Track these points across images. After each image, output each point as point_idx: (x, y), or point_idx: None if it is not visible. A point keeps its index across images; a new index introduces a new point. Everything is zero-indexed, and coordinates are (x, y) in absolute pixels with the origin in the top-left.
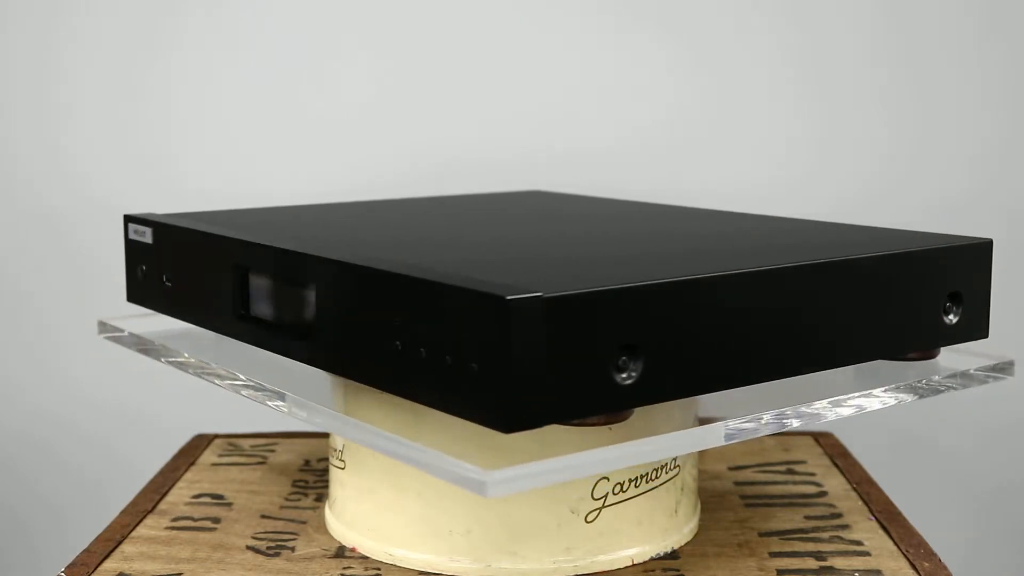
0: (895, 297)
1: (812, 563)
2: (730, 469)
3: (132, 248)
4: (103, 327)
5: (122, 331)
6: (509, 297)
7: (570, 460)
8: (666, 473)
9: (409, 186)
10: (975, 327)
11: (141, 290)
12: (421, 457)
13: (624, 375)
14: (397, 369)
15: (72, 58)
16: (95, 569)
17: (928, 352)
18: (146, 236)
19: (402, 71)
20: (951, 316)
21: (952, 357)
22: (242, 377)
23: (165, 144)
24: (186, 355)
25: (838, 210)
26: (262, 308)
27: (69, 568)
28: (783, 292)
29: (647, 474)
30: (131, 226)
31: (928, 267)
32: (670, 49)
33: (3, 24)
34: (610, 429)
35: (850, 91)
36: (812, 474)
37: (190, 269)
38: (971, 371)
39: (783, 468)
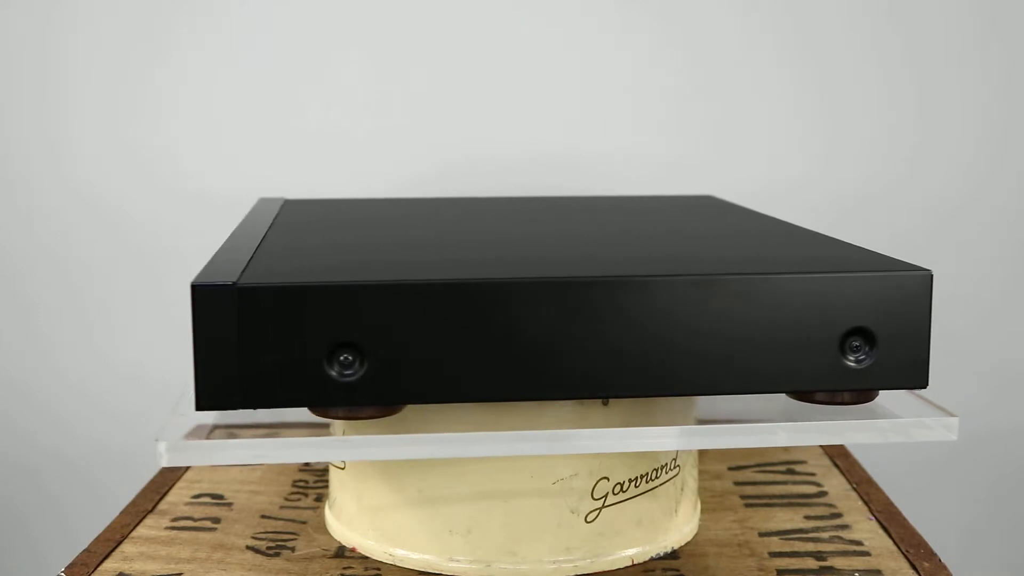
0: (761, 326)
1: (812, 563)
2: (730, 469)
3: None
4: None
5: None
6: (194, 283)
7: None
8: (666, 473)
9: (409, 186)
10: (903, 374)
11: None
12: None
13: (348, 372)
14: None
15: (72, 58)
16: (95, 569)
17: (836, 396)
18: None
19: (402, 71)
20: (856, 356)
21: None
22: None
23: (166, 143)
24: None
25: (838, 210)
26: None
27: (69, 568)
28: (556, 306)
29: (647, 474)
30: None
31: (812, 297)
32: (670, 49)
33: (2, 24)
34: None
35: (850, 91)
36: (812, 474)
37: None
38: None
39: (783, 468)
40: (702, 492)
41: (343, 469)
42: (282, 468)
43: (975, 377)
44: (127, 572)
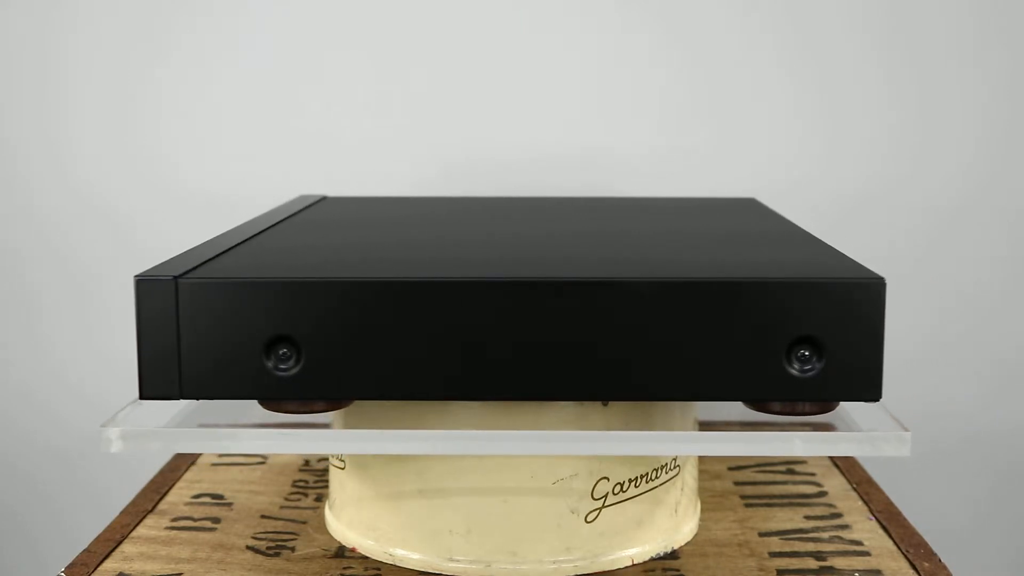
0: (703, 332)
1: (812, 563)
2: (730, 469)
3: None
4: None
5: None
6: (136, 277)
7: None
8: (666, 473)
9: (409, 186)
10: (854, 386)
11: None
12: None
13: (285, 366)
14: None
15: (72, 58)
16: (95, 569)
17: (795, 407)
18: None
19: (402, 71)
20: (802, 367)
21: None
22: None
23: (166, 143)
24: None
25: (838, 210)
26: None
27: (69, 568)
28: (491, 306)
29: (647, 474)
30: None
31: (756, 303)
32: (670, 49)
33: (3, 24)
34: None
35: (850, 91)
36: (812, 474)
37: None
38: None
39: (783, 468)
40: (702, 492)
41: (343, 469)
42: (282, 468)
43: (975, 377)
44: (127, 572)
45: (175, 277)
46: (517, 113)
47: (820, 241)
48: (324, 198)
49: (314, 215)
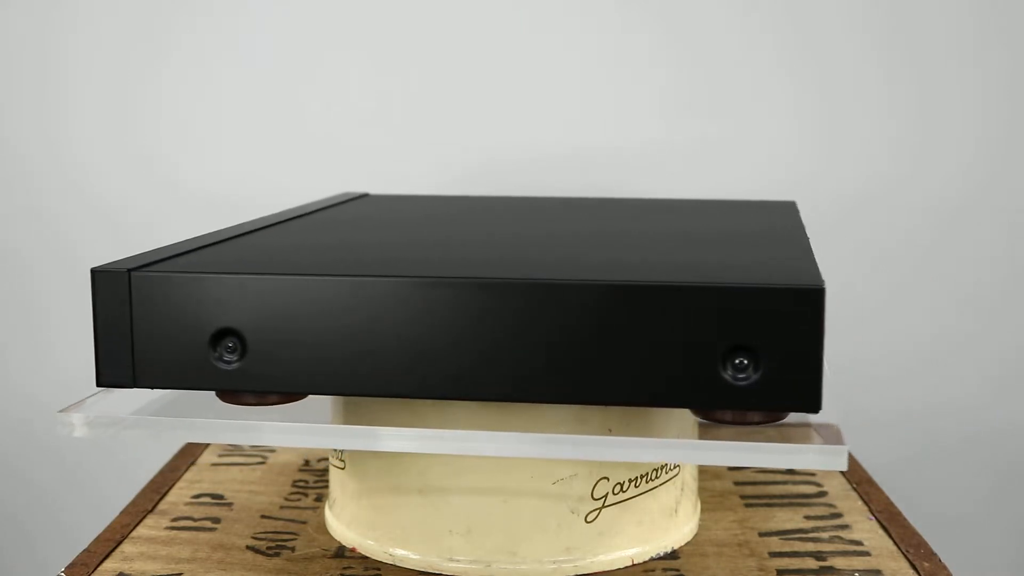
0: (636, 336)
1: (812, 563)
2: (730, 469)
3: None
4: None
5: None
6: (92, 268)
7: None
8: (666, 473)
9: (408, 185)
10: (792, 396)
11: None
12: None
13: (230, 358)
14: None
15: (72, 58)
16: (95, 569)
17: (745, 416)
18: None
19: (400, 71)
20: (736, 374)
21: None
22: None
23: (166, 143)
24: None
25: (838, 210)
26: None
27: (69, 568)
28: (420, 304)
29: (647, 474)
30: None
31: (689, 308)
32: (670, 49)
33: (3, 24)
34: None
35: (851, 91)
36: (812, 474)
37: None
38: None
39: (783, 468)
40: (702, 492)
41: (343, 469)
42: (282, 468)
43: (975, 376)
44: (127, 572)
45: (128, 270)
46: (517, 113)
47: (803, 246)
48: (366, 195)
49: (339, 213)
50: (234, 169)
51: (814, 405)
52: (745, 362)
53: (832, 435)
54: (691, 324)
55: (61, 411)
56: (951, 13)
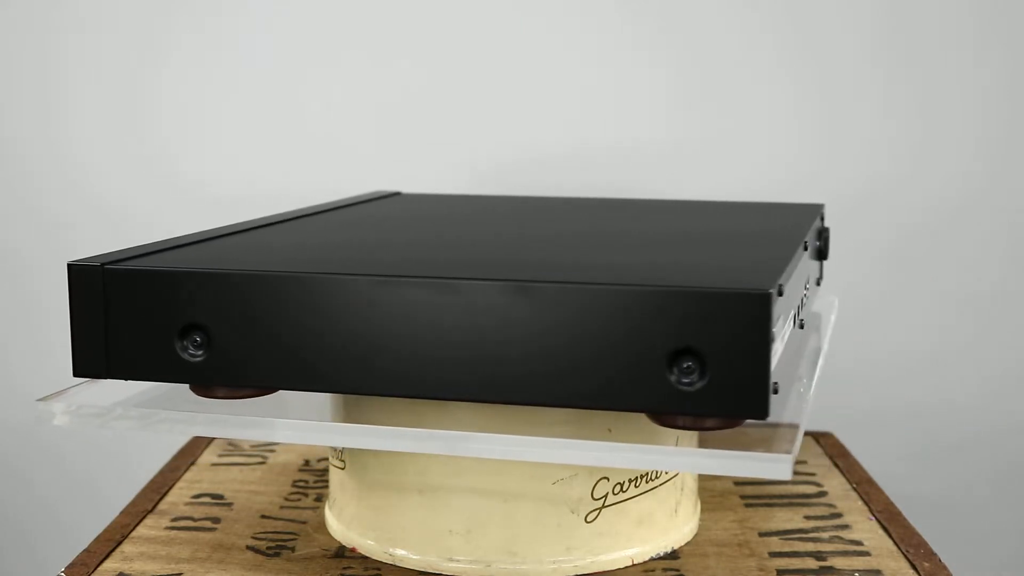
0: (583, 338)
1: (812, 563)
2: None
3: None
4: None
5: None
6: (69, 263)
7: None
8: (666, 473)
9: (410, 185)
10: (740, 402)
11: None
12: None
13: (196, 352)
14: None
15: (72, 58)
16: (95, 569)
17: (700, 422)
18: None
19: (400, 71)
20: (682, 378)
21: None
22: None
23: (167, 143)
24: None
25: (838, 210)
26: None
27: (69, 568)
28: (369, 303)
29: (647, 474)
30: None
31: (635, 311)
32: (670, 49)
33: (4, 24)
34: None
35: (851, 91)
36: (812, 474)
37: None
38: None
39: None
40: (702, 492)
41: (343, 469)
42: (282, 468)
43: (975, 376)
44: (127, 572)
45: (102, 264)
46: (516, 113)
47: (784, 251)
48: (397, 193)
49: (354, 213)
50: (234, 169)
51: (761, 411)
52: (691, 366)
53: (785, 442)
54: (636, 327)
55: (40, 399)
56: (951, 13)
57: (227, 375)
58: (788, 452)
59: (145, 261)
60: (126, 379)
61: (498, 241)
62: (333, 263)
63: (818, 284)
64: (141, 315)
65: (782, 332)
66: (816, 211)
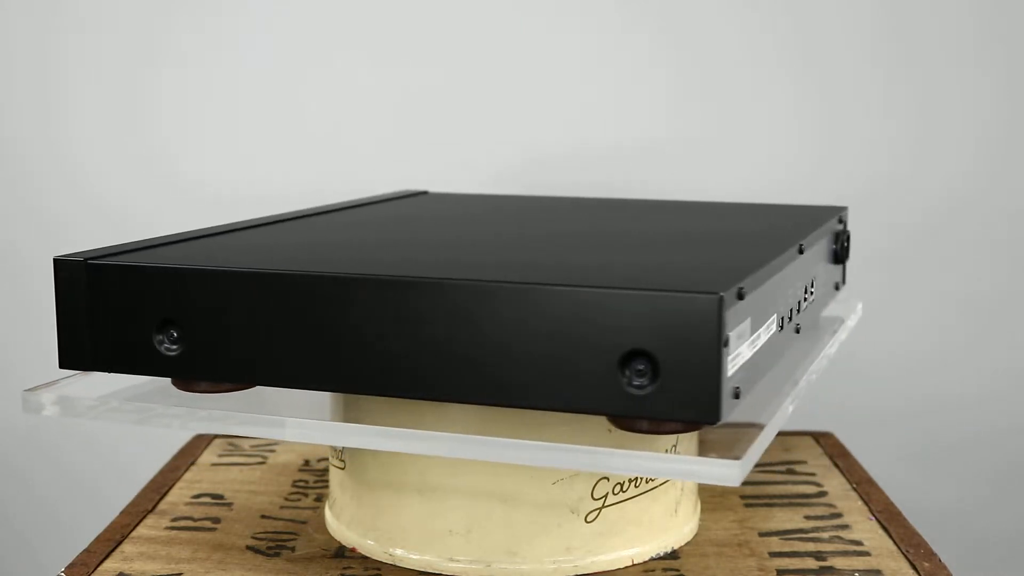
0: (533, 339)
1: (812, 563)
2: None
3: None
4: None
5: None
6: (55, 257)
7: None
8: None
9: (408, 185)
10: (691, 406)
11: None
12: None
13: (172, 346)
14: None
15: (72, 58)
16: (95, 569)
17: (662, 426)
18: None
19: (399, 71)
20: (631, 381)
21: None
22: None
23: (167, 143)
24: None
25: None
26: None
27: (69, 568)
28: (356, 303)
29: None
30: None
31: (585, 312)
32: (670, 49)
33: (4, 24)
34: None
35: (851, 91)
36: (812, 474)
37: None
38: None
39: (783, 468)
40: (702, 492)
41: (343, 469)
42: (282, 468)
43: (975, 376)
44: (127, 572)
45: (86, 259)
46: (517, 113)
47: (763, 254)
48: (424, 192)
49: (364, 213)
50: (234, 169)
51: (712, 416)
52: (643, 369)
53: (741, 447)
54: (589, 329)
55: (28, 390)
56: (951, 13)
57: (202, 370)
58: (738, 458)
59: (127, 257)
60: (108, 372)
61: (459, 243)
62: (300, 262)
63: (836, 288)
64: (122, 310)
65: (752, 336)
66: (830, 213)
